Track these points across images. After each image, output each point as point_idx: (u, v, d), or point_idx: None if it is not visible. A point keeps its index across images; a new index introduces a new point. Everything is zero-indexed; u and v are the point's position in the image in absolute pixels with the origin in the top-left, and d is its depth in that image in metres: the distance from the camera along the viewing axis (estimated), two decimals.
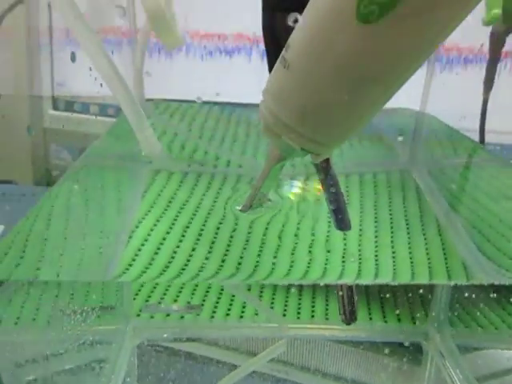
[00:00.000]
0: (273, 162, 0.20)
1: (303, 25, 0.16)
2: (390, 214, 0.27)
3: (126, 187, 0.28)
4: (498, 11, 0.28)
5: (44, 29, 0.47)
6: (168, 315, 0.35)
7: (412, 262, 0.22)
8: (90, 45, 0.21)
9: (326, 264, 0.21)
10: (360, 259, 0.22)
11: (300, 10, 0.21)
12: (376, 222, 0.26)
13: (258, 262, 0.20)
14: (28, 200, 0.43)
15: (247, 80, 0.41)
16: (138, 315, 0.35)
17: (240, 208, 0.24)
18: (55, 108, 0.49)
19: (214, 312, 0.36)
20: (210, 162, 0.32)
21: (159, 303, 0.35)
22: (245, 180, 0.30)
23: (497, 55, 0.31)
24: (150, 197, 0.26)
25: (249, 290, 0.36)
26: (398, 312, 0.36)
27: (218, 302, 0.36)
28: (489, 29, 0.32)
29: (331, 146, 0.19)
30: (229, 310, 0.36)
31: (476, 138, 0.37)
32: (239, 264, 0.20)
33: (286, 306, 0.36)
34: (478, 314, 0.35)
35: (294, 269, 0.21)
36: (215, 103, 0.41)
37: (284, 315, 0.36)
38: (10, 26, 0.47)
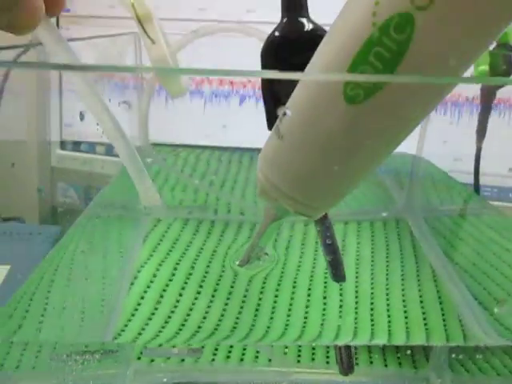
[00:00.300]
0: (269, 220, 0.21)
1: (295, 100, 0.17)
2: (387, 263, 0.28)
3: (129, 239, 0.29)
4: (485, 67, 0.29)
5: (54, 72, 0.49)
6: (168, 358, 0.35)
7: (407, 318, 0.23)
8: (95, 107, 0.23)
9: (321, 324, 0.21)
10: (356, 319, 0.22)
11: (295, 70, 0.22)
12: (372, 274, 0.26)
13: (254, 321, 0.21)
14: (34, 239, 0.44)
15: (248, 123, 0.42)
16: (139, 358, 0.35)
17: (238, 263, 0.25)
18: (63, 148, 0.51)
19: (215, 355, 0.36)
20: (210, 208, 0.33)
21: (160, 346, 0.36)
22: (246, 227, 0.31)
23: (488, 107, 0.32)
24: (149, 248, 0.27)
25: None
26: (398, 356, 0.36)
27: (218, 345, 0.36)
28: None
29: (325, 209, 0.19)
30: (229, 352, 0.36)
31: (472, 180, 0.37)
32: (236, 324, 0.21)
33: (285, 348, 0.36)
34: (479, 358, 0.35)
35: (289, 330, 0.21)
36: (217, 147, 0.42)
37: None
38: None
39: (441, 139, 0.38)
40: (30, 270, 0.37)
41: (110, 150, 0.49)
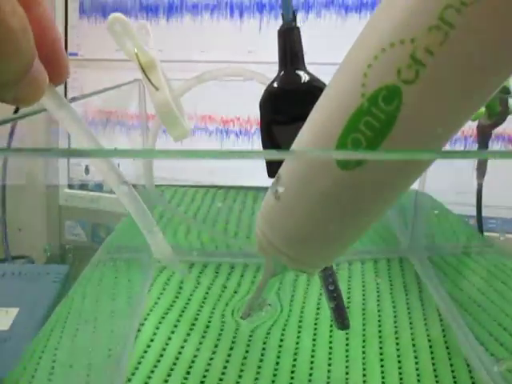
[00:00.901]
0: (268, 275, 0.21)
1: (291, 163, 0.18)
2: (394, 307, 0.28)
3: (137, 286, 0.29)
4: (482, 109, 0.30)
5: None
6: None
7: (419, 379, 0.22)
8: (99, 161, 0.23)
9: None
10: (364, 377, 0.22)
11: (292, 123, 0.23)
12: (380, 321, 0.26)
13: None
14: (42, 279, 0.44)
15: (249, 162, 0.43)
16: None
17: (240, 315, 0.25)
18: (70, 186, 0.52)
19: None
20: (215, 251, 0.33)
21: None
22: (250, 270, 0.31)
23: (485, 145, 0.32)
24: (155, 297, 0.27)
25: None
26: None
27: None
28: None
29: (323, 266, 0.20)
30: None
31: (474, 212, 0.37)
32: None
33: None
34: None
35: None
36: (220, 187, 0.42)
37: None
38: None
39: (442, 173, 0.38)
40: (37, 313, 0.37)
41: None
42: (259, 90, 0.29)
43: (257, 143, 0.46)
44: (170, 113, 0.38)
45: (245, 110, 0.46)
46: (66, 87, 0.52)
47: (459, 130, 0.15)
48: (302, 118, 0.19)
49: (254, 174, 0.29)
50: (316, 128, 0.17)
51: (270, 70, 0.29)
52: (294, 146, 0.18)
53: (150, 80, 0.36)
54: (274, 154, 0.18)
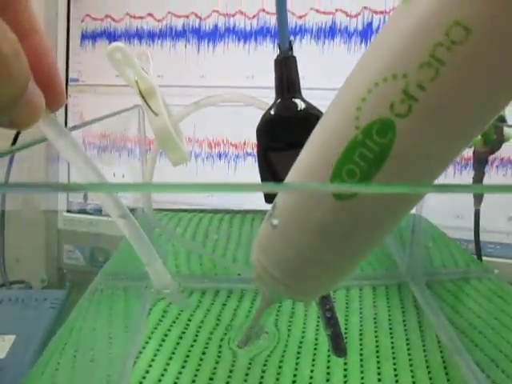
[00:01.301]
0: (265, 305, 0.21)
1: (286, 193, 0.18)
2: (391, 335, 0.27)
3: (134, 314, 0.29)
4: (477, 137, 0.30)
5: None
6: None
7: None
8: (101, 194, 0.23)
9: None
10: None
11: (288, 150, 0.23)
12: (377, 347, 0.26)
13: None
14: (40, 305, 0.44)
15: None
16: None
17: (237, 343, 0.25)
18: (69, 210, 0.52)
19: None
20: (214, 278, 0.33)
21: None
22: (249, 295, 0.31)
23: (481, 172, 0.32)
24: (152, 325, 0.27)
25: None
26: None
27: None
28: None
29: (318, 295, 0.20)
30: None
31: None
32: None
33: None
34: None
35: None
36: (218, 211, 0.43)
37: None
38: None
39: (440, 197, 0.38)
40: (34, 341, 0.36)
41: None
42: (257, 115, 0.29)
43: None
44: (169, 138, 0.38)
45: (244, 133, 0.47)
46: (66, 112, 0.52)
47: (454, 160, 0.16)
48: (298, 144, 0.19)
49: (254, 196, 0.29)
50: (312, 158, 0.17)
51: (268, 95, 0.29)
52: (291, 173, 0.18)
53: (149, 106, 0.37)
54: (269, 187, 0.18)
